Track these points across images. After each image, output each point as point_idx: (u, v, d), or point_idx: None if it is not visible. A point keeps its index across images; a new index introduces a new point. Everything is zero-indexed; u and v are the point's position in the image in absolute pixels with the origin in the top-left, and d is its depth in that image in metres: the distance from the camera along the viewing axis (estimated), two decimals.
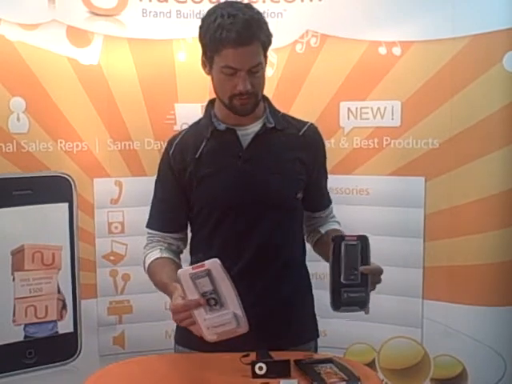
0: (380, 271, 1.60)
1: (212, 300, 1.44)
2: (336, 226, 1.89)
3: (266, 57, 1.68)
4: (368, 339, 2.55)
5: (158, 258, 1.76)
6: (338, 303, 1.55)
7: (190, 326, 1.48)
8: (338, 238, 1.58)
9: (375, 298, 2.49)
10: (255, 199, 1.69)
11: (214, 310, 1.44)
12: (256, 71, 1.63)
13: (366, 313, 1.58)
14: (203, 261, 1.44)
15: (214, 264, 1.43)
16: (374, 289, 1.59)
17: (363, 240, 1.57)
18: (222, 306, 1.44)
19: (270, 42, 1.67)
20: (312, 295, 1.86)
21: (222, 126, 1.73)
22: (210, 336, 1.45)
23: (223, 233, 1.72)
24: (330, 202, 1.92)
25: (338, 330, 2.52)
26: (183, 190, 1.75)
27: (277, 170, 1.71)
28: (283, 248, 1.74)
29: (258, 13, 1.65)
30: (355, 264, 1.55)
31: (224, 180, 1.70)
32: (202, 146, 1.73)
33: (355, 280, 1.55)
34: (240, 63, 1.60)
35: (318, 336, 1.87)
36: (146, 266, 1.78)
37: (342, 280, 1.55)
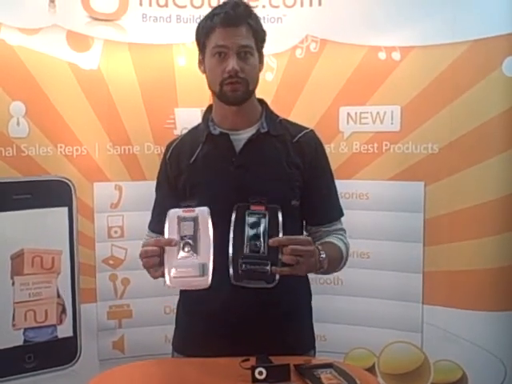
0: (295, 241, 1.50)
1: (188, 245, 1.48)
2: (333, 240, 1.74)
3: (260, 53, 1.70)
4: (368, 344, 2.55)
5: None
6: (236, 275, 1.49)
7: (152, 268, 1.52)
8: (242, 206, 1.51)
9: (375, 302, 2.53)
10: None
11: (186, 255, 1.48)
12: (245, 54, 1.64)
13: (269, 284, 1.49)
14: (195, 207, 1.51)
15: (202, 212, 1.50)
16: (294, 263, 1.49)
17: (273, 211, 1.50)
18: (193, 254, 1.48)
19: (262, 35, 1.70)
20: (311, 305, 1.84)
21: (216, 131, 1.73)
22: (171, 279, 1.48)
23: (217, 238, 1.68)
24: (334, 218, 1.80)
25: (337, 335, 2.52)
26: (177, 196, 1.74)
27: (270, 176, 1.69)
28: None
29: (249, 5, 1.70)
30: (261, 235, 1.48)
31: (217, 186, 1.70)
32: (198, 151, 1.73)
33: (260, 252, 1.48)
34: (228, 41, 1.62)
35: (314, 346, 1.84)
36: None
37: (244, 251, 1.48)
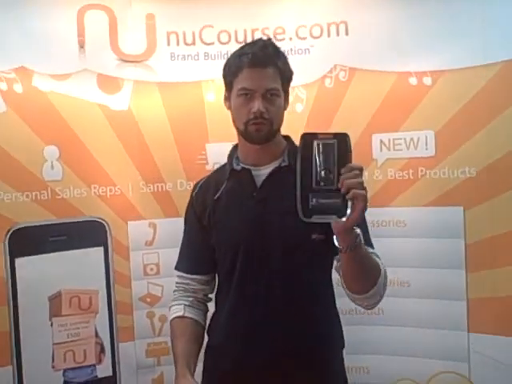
0: (356, 168, 1.38)
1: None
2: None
3: (285, 92, 1.69)
4: (413, 375, 2.47)
5: (180, 317, 1.78)
6: (306, 211, 1.37)
7: None
8: (309, 135, 1.38)
9: (419, 332, 2.46)
10: (268, 240, 1.66)
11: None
12: (272, 96, 1.63)
13: (340, 218, 1.37)
14: None
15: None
16: (354, 197, 1.35)
17: (341, 139, 1.36)
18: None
19: (289, 76, 1.69)
20: (343, 340, 1.77)
21: (239, 166, 1.73)
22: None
23: (239, 274, 1.69)
24: (365, 242, 1.62)
25: (381, 366, 2.46)
26: (206, 232, 1.76)
27: (290, 210, 1.60)
28: (301, 290, 1.67)
29: (277, 46, 1.69)
30: (330, 166, 1.36)
31: (238, 221, 1.70)
32: (222, 188, 1.74)
33: (329, 185, 1.36)
34: (255, 84, 1.61)
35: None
36: (170, 318, 1.81)
37: (312, 184, 1.37)
